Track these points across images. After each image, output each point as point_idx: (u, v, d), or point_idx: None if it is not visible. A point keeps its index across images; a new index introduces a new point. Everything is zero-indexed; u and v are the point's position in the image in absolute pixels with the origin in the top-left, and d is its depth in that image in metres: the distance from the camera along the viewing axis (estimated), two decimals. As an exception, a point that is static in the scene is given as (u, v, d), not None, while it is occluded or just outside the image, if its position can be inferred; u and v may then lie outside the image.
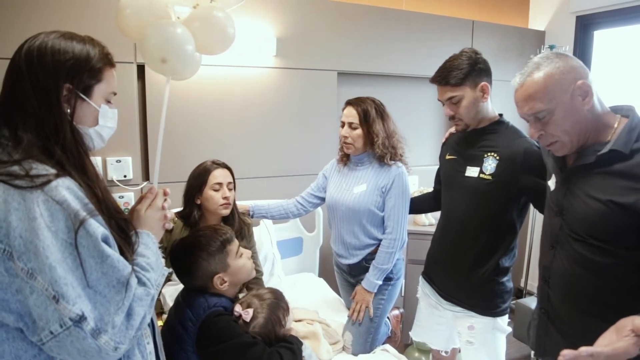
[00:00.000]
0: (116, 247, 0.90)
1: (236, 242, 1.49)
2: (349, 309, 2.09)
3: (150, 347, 1.03)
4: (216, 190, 1.82)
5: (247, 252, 1.52)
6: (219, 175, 1.83)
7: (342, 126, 2.01)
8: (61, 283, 0.78)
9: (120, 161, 2.29)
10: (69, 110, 0.91)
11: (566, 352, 0.95)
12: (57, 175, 0.83)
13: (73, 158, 0.90)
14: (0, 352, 0.82)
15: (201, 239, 1.44)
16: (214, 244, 1.43)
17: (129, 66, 2.25)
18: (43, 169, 0.84)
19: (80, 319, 0.78)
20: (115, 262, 0.85)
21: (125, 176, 2.32)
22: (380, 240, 2.01)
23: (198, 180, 1.84)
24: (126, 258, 0.91)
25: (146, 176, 2.43)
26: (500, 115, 1.67)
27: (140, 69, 2.32)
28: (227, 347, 1.32)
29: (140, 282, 0.92)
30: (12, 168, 0.82)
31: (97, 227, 0.85)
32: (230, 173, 1.89)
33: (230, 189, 1.86)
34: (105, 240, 0.86)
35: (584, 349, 0.94)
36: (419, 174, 3.15)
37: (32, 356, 0.83)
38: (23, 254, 0.78)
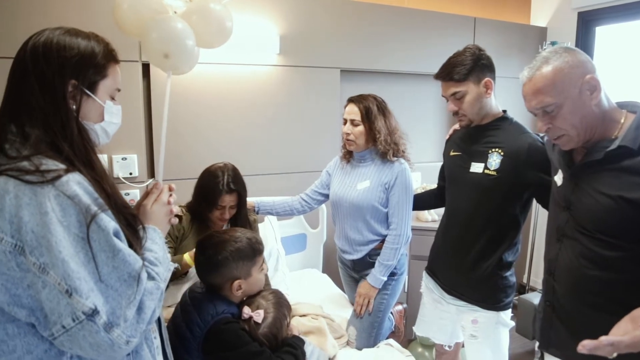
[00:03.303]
0: (125, 241, 0.90)
1: (263, 256, 1.53)
2: (352, 304, 2.11)
3: (157, 342, 1.04)
4: (218, 209, 1.85)
5: (265, 268, 1.55)
6: (226, 200, 1.84)
7: (345, 123, 2.02)
8: (74, 277, 0.78)
9: (126, 159, 2.31)
10: (74, 107, 0.92)
11: (586, 342, 0.95)
12: (67, 171, 0.83)
13: (80, 154, 0.90)
14: (12, 347, 0.82)
15: (238, 240, 1.46)
16: (248, 249, 1.46)
17: (134, 65, 2.27)
18: (53, 164, 0.84)
19: (93, 313, 0.78)
20: (126, 256, 0.85)
21: (131, 173, 2.33)
22: (384, 235, 2.02)
23: (209, 191, 1.83)
24: (135, 252, 0.91)
25: (152, 173, 2.44)
26: (504, 111, 1.68)
27: (145, 68, 2.34)
28: (236, 355, 1.34)
29: (150, 276, 0.92)
30: (22, 163, 0.82)
31: (109, 222, 0.85)
32: (237, 196, 1.87)
33: (232, 207, 1.87)
34: (117, 235, 0.87)
35: (604, 338, 0.94)
36: (421, 170, 3.16)
37: (43, 351, 0.83)
38: (35, 248, 0.78)
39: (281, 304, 1.53)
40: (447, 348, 1.94)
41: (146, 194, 1.12)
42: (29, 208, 0.78)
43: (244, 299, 1.52)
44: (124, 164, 2.31)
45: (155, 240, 1.01)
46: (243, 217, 1.94)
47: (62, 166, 0.84)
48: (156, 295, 0.91)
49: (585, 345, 0.95)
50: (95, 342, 0.79)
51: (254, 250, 1.48)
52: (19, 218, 0.78)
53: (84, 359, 0.87)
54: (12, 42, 1.76)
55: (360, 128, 1.97)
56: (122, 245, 0.86)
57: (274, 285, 2.16)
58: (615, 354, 0.96)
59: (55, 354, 0.84)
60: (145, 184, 2.39)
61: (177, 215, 1.15)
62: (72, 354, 0.85)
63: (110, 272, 0.83)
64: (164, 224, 1.10)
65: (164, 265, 0.99)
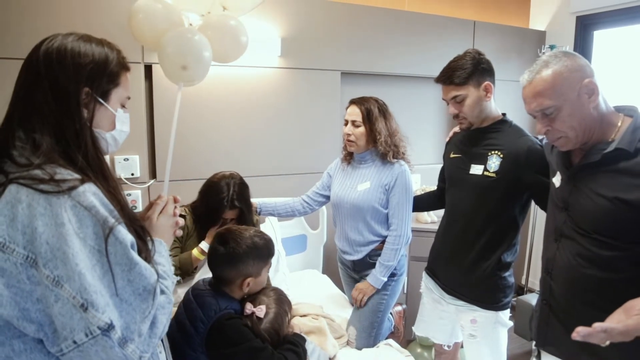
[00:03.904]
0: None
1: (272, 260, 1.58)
2: (352, 304, 2.13)
3: (162, 357, 1.02)
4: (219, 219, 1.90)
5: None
6: (227, 214, 1.89)
7: (346, 124, 2.04)
8: (91, 291, 0.75)
9: (127, 159, 2.32)
10: (86, 115, 0.89)
11: (580, 329, 0.98)
12: (82, 181, 0.81)
13: (94, 164, 0.88)
14: None
15: (259, 239, 1.50)
16: (265, 250, 1.50)
17: (136, 66, 2.28)
18: (67, 173, 0.81)
19: (109, 328, 0.76)
20: (143, 269, 0.84)
21: (132, 174, 2.35)
22: (384, 236, 2.04)
23: (212, 204, 1.87)
24: None
25: (153, 174, 2.46)
26: (504, 114, 1.70)
27: (148, 69, 2.36)
28: (238, 350, 1.36)
29: (160, 290, 0.90)
30: (34, 172, 0.79)
31: (126, 234, 0.83)
32: (239, 212, 1.90)
33: (232, 219, 1.91)
34: (133, 248, 0.85)
35: (597, 325, 0.97)
36: (421, 172, 3.19)
37: None
38: (49, 260, 0.75)
39: (282, 301, 1.55)
40: (446, 348, 1.96)
41: (150, 206, 1.11)
42: (43, 218, 0.75)
43: (245, 296, 1.54)
44: (125, 165, 2.32)
45: (162, 254, 1.00)
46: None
47: (76, 176, 0.82)
48: (168, 309, 0.90)
49: (579, 332, 0.98)
50: (108, 358, 0.77)
51: (270, 251, 1.52)
52: (33, 229, 0.75)
53: None
54: (17, 42, 1.78)
55: (361, 129, 1.99)
56: (139, 258, 0.85)
57: (275, 285, 2.17)
58: (607, 342, 0.98)
59: None
60: (146, 185, 2.40)
61: (181, 215, 1.16)
62: None
63: (125, 286, 0.82)
64: (168, 236, 1.09)
65: (170, 279, 0.98)
